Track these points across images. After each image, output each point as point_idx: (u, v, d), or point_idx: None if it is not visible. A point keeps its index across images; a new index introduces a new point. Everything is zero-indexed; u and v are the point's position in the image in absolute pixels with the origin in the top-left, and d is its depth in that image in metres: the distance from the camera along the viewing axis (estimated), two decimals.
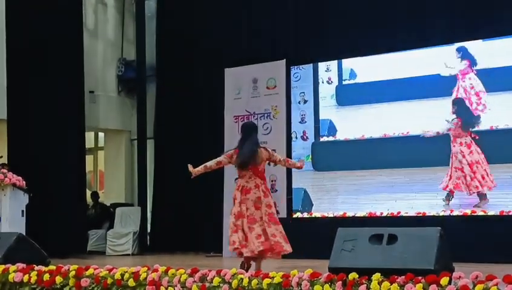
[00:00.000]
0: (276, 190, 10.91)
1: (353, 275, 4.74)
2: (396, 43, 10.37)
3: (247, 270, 5.90)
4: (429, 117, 10.05)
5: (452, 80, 9.93)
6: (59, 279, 6.07)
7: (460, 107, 9.85)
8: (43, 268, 6.38)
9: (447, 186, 9.87)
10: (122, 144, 14.42)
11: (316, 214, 10.86)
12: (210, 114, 12.17)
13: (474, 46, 9.87)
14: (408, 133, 10.27)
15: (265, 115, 11.26)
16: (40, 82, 11.88)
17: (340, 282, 4.76)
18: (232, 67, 11.69)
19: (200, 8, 12.61)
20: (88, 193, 13.96)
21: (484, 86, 9.69)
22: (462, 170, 9.75)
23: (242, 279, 5.20)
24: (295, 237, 10.34)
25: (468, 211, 9.51)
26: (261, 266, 7.17)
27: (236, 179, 7.64)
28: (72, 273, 6.06)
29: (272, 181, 10.92)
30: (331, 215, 10.67)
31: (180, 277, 5.51)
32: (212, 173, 11.56)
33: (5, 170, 9.62)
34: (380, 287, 4.55)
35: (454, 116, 9.85)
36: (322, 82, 11.17)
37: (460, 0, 9.87)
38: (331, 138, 11.04)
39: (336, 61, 11.09)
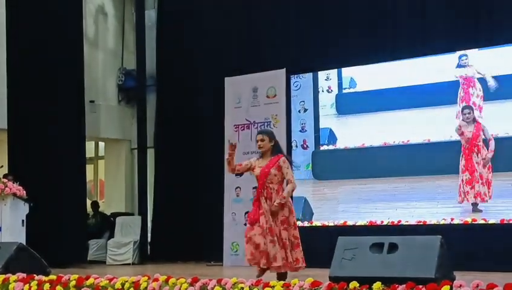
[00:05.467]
0: None
1: (353, 284, 4.73)
2: (396, 52, 10.37)
3: None
4: (430, 125, 10.05)
5: (453, 88, 9.94)
6: (59, 289, 6.08)
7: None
8: (44, 278, 6.38)
9: None
10: (122, 153, 14.44)
11: (316, 223, 10.84)
12: (210, 123, 12.16)
13: (475, 54, 9.88)
14: (408, 141, 10.27)
15: (266, 123, 11.25)
16: (40, 91, 11.87)
17: None
18: (232, 76, 11.69)
19: (200, 17, 12.62)
20: (88, 202, 13.95)
21: (484, 94, 9.70)
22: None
23: (243, 288, 5.20)
24: None
25: (469, 220, 9.50)
26: None
27: None
28: (73, 283, 6.07)
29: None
30: (332, 224, 10.64)
31: (181, 286, 5.51)
32: (212, 182, 11.71)
33: (5, 180, 9.64)
34: None
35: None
36: (322, 91, 11.18)
37: (460, 8, 9.88)
38: (331, 147, 11.04)
39: (336, 70, 11.10)
